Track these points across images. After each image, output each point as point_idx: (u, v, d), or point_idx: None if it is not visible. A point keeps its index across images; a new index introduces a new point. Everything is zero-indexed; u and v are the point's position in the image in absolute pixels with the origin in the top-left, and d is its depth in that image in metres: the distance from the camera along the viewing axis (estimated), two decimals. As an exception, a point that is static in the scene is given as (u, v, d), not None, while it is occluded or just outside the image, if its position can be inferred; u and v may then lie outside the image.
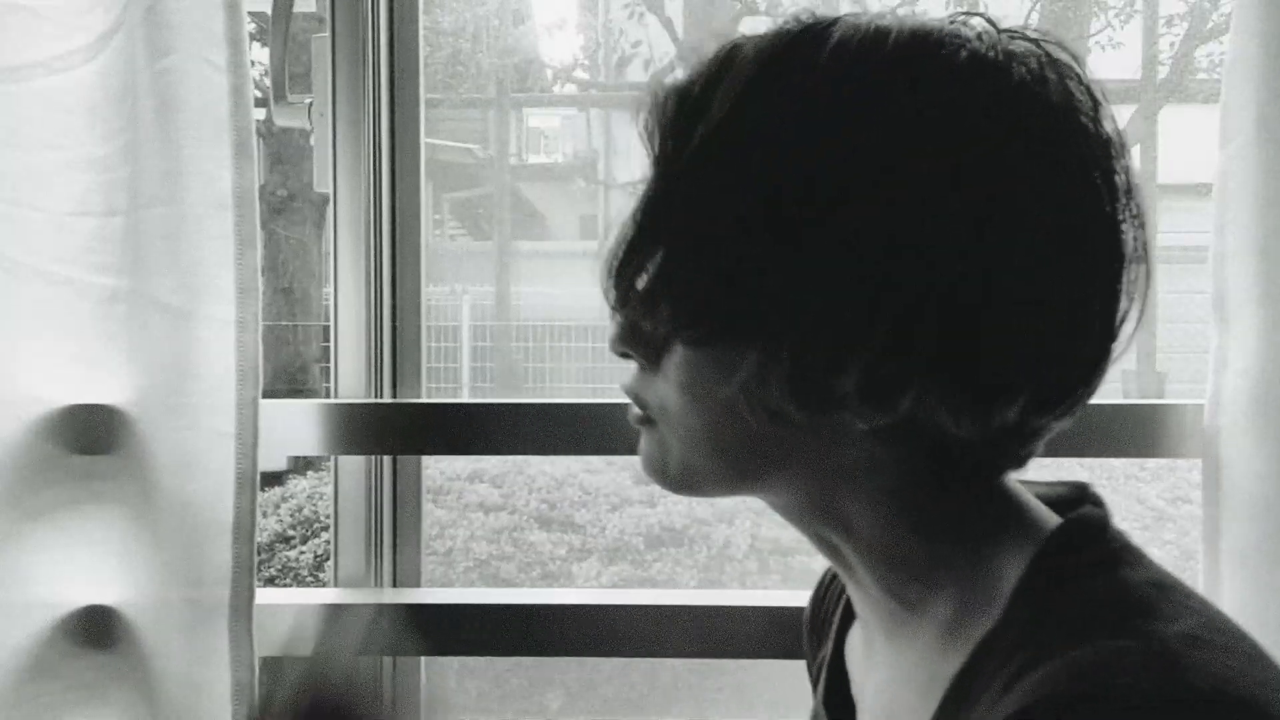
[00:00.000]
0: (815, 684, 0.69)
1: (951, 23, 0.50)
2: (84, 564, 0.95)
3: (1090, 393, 0.52)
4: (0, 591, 0.93)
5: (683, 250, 0.51)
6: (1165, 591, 0.48)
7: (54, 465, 0.93)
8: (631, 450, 0.60)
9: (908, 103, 0.47)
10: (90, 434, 0.94)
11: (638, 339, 0.56)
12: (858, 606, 0.61)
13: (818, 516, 0.57)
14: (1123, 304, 0.50)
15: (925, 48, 0.49)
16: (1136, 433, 1.00)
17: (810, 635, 0.74)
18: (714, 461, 0.56)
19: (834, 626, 0.68)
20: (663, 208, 0.52)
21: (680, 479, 0.57)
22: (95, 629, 0.94)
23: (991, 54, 0.49)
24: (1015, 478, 0.58)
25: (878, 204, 0.47)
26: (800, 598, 0.76)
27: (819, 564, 0.66)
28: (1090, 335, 0.50)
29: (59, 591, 0.94)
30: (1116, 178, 0.49)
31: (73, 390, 0.94)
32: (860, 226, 0.47)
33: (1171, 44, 2.62)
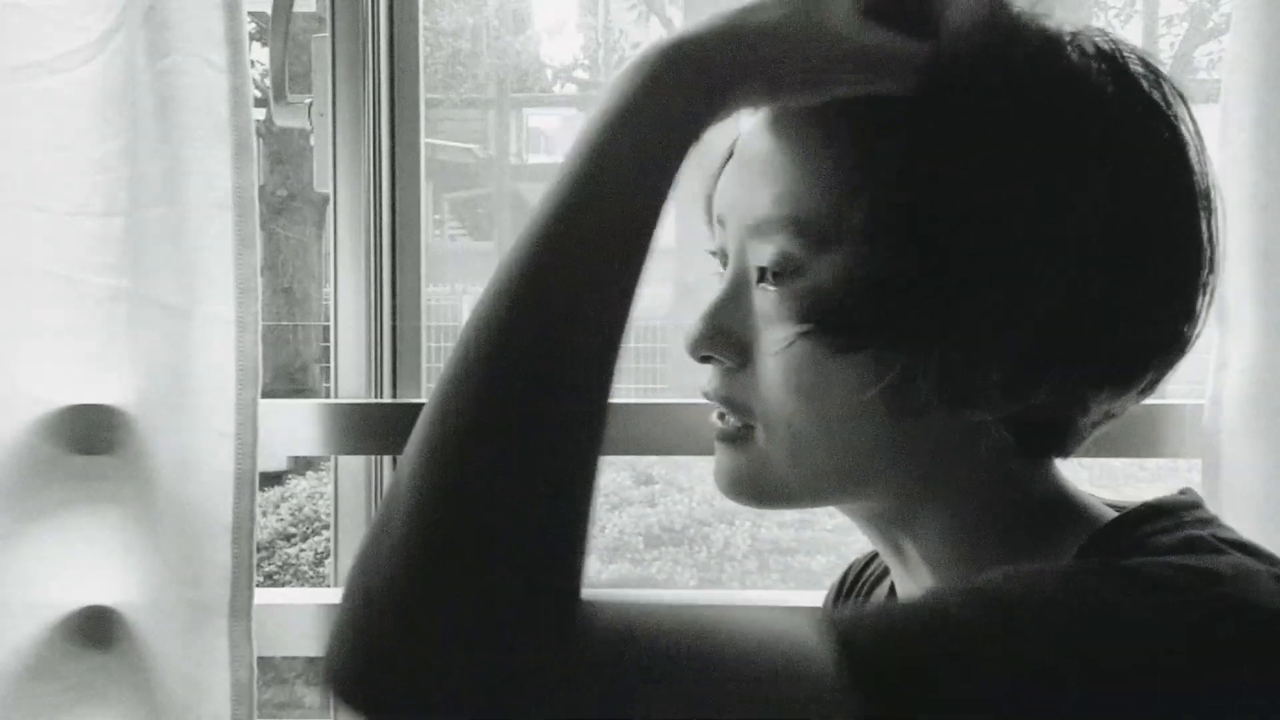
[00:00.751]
0: None
1: (1080, 40, 0.53)
2: (84, 564, 0.94)
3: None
4: (0, 591, 0.93)
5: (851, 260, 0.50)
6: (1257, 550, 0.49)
7: (54, 465, 0.93)
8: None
9: (1057, 134, 0.49)
10: (90, 434, 0.94)
11: (728, 339, 0.55)
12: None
13: (900, 521, 0.57)
14: (1206, 297, 0.53)
15: (1073, 75, 0.51)
16: (1136, 433, 1.00)
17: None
18: (826, 468, 0.54)
19: None
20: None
21: (780, 492, 0.56)
22: (95, 629, 0.94)
23: (1112, 86, 0.52)
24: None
25: (1029, 224, 0.48)
26: (800, 598, 0.76)
27: (819, 564, 0.66)
28: (1193, 321, 0.53)
29: (59, 592, 0.94)
30: (1197, 179, 0.52)
31: (73, 390, 0.94)
32: (1014, 244, 0.48)
33: (1171, 44, 2.62)
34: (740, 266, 0.56)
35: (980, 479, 0.54)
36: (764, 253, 0.53)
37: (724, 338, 0.55)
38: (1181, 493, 0.55)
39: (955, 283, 0.49)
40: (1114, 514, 0.54)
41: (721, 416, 0.57)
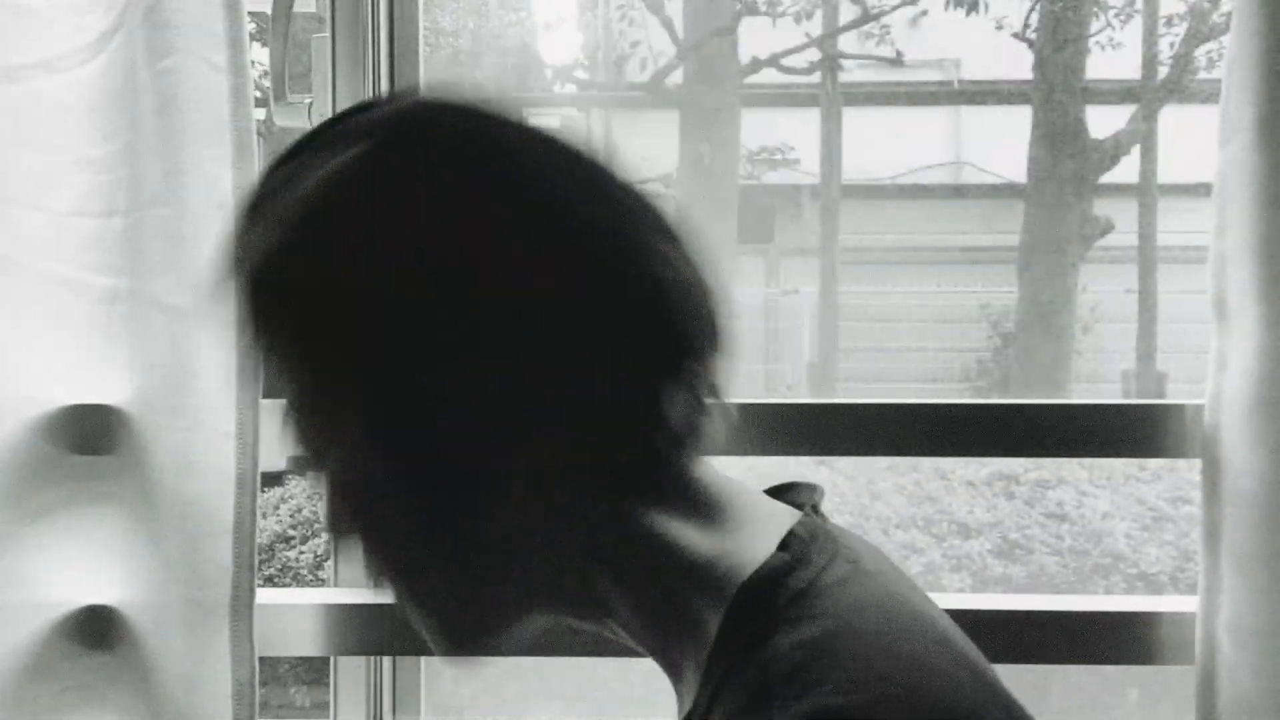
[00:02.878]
0: None
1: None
2: (84, 564, 0.94)
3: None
4: (0, 591, 0.93)
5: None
6: (810, 655, 0.47)
7: (54, 465, 0.93)
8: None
9: None
10: (90, 434, 0.94)
11: None
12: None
13: (588, 609, 0.57)
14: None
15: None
16: (1136, 433, 1.00)
17: None
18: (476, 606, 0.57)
19: None
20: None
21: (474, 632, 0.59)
22: (95, 629, 0.94)
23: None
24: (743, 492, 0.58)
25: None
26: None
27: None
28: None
29: (59, 591, 0.94)
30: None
31: (73, 390, 0.94)
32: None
33: (1171, 44, 2.62)
34: None
35: (600, 547, 0.54)
36: None
37: None
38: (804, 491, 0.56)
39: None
40: (738, 574, 0.52)
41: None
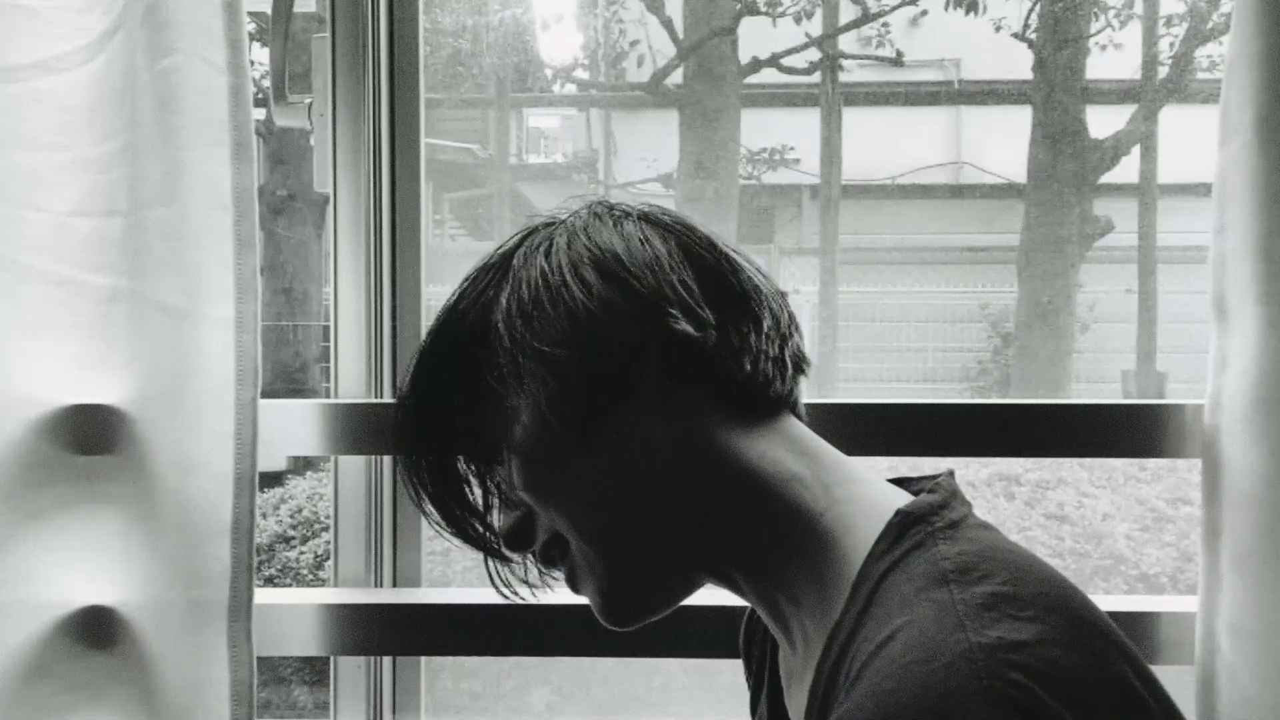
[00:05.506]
0: (754, 711, 0.73)
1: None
2: (84, 564, 0.94)
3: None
4: (0, 591, 0.93)
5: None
6: (974, 559, 0.53)
7: (54, 465, 0.93)
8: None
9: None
10: (90, 434, 0.94)
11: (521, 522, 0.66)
12: (770, 627, 0.65)
13: (710, 561, 0.64)
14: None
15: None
16: (1136, 433, 1.00)
17: (746, 663, 0.78)
18: (617, 527, 0.63)
19: (768, 650, 0.71)
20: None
21: (620, 586, 0.65)
22: (95, 629, 0.94)
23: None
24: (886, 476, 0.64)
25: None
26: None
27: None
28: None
29: (59, 591, 0.94)
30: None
31: (73, 390, 0.93)
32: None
33: (1171, 44, 2.62)
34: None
35: (716, 477, 0.61)
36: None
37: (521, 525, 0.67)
38: (936, 478, 0.61)
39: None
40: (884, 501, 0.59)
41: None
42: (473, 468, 0.66)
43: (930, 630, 0.48)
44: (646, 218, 0.65)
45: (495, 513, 0.68)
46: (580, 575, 0.65)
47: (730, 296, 0.62)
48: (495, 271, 0.64)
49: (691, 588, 0.66)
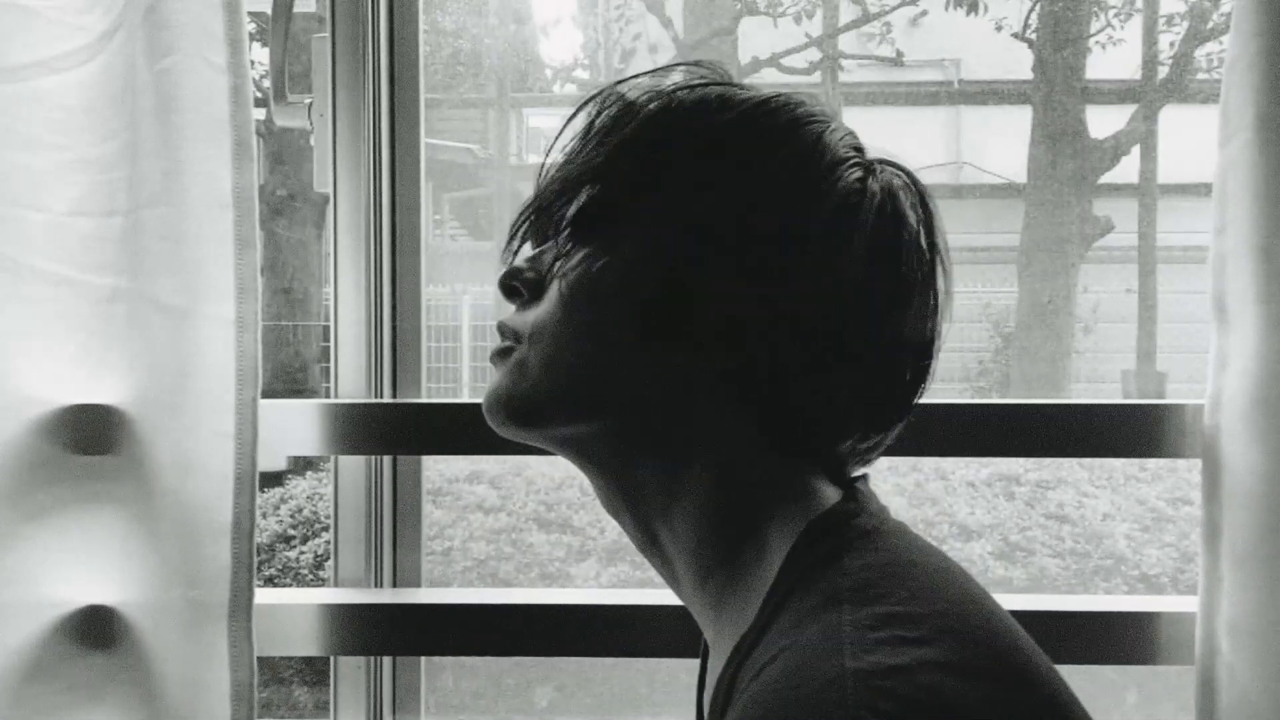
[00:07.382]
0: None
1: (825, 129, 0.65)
2: (84, 564, 0.94)
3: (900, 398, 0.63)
4: (0, 591, 0.93)
5: (612, 182, 0.61)
6: (876, 575, 0.52)
7: (54, 465, 0.93)
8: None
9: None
10: (90, 434, 0.94)
11: (531, 275, 0.63)
12: (696, 620, 0.64)
13: (647, 497, 0.61)
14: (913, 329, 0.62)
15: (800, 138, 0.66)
16: (1136, 433, 1.00)
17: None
18: (574, 374, 0.60)
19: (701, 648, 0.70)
20: (593, 159, 0.62)
21: (528, 401, 0.61)
22: (95, 629, 0.94)
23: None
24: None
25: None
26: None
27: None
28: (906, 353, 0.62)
29: (59, 591, 0.94)
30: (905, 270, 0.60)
31: (73, 390, 0.94)
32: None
33: (1171, 44, 2.62)
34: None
35: (720, 457, 0.59)
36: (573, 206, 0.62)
37: (529, 273, 0.63)
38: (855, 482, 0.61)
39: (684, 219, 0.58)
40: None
41: (502, 346, 0.64)
42: (567, 214, 0.62)
43: (809, 654, 0.47)
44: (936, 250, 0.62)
45: (529, 250, 0.65)
46: (517, 355, 0.62)
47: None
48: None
49: (583, 465, 0.64)
